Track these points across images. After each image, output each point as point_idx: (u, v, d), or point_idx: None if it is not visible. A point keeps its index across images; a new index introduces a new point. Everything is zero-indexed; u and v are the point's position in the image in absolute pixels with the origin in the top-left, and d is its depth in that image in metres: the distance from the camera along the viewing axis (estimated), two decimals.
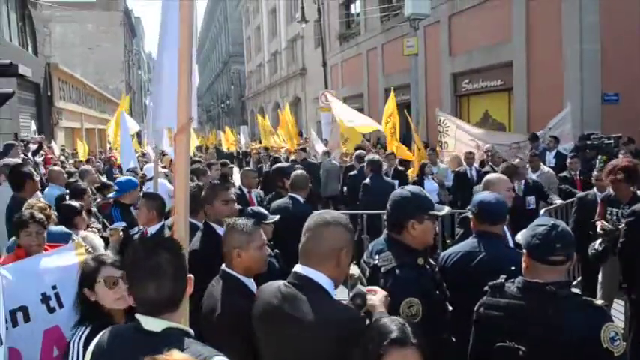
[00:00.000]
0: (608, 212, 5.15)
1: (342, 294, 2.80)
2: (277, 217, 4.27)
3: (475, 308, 2.48)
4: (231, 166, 11.13)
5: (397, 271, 2.49)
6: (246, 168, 8.26)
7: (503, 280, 2.41)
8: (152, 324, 1.85)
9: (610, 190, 5.25)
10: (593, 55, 13.12)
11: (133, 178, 6.82)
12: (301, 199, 5.66)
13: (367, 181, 8.04)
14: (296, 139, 19.46)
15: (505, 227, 3.42)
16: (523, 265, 2.39)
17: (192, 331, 1.94)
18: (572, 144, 10.79)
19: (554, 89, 13.56)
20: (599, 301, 2.24)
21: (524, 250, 2.38)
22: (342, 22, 29.18)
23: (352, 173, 10.09)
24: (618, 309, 5.61)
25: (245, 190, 7.67)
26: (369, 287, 2.25)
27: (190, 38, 2.74)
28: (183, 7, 2.61)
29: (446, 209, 2.70)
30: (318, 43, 29.30)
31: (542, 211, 6.72)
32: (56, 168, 8.44)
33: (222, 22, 74.08)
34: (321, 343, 2.00)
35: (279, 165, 6.64)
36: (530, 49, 14.82)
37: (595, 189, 5.99)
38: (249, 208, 4.56)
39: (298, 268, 2.19)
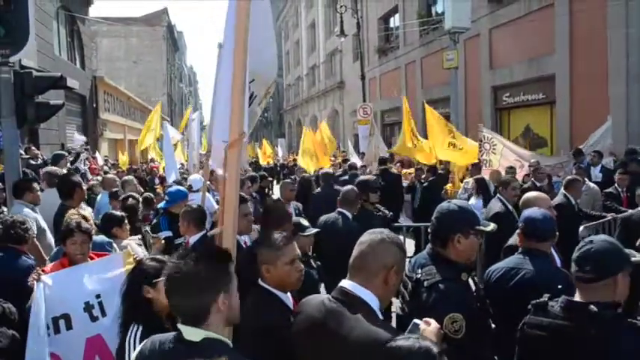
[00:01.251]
0: None
1: None
2: (316, 230, 4.31)
3: (519, 327, 2.43)
4: (270, 178, 11.22)
5: (441, 285, 2.45)
6: (285, 180, 8.31)
7: (546, 299, 2.35)
8: (192, 334, 1.87)
9: None
10: (639, 67, 12.77)
11: (183, 189, 6.96)
12: (349, 215, 5.59)
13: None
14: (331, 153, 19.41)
15: (552, 247, 3.33)
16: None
17: (230, 343, 1.96)
18: (612, 159, 10.53)
19: (599, 102, 13.23)
20: None
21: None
22: (381, 35, 29.23)
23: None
24: None
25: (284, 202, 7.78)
26: (426, 319, 2.16)
27: (245, 54, 2.77)
28: (239, 23, 2.67)
29: (492, 225, 2.65)
30: (356, 57, 29.41)
31: (581, 228, 6.53)
32: (110, 175, 8.70)
33: None
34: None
35: (363, 178, 6.63)
36: (573, 62, 14.52)
37: None
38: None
39: (345, 283, 2.17)
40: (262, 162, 26.94)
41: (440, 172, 12.07)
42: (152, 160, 20.49)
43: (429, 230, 2.71)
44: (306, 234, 4.13)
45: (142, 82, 49.29)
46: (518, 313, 2.48)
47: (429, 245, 2.70)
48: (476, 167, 10.17)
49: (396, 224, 7.00)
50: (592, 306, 2.13)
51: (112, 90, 31.29)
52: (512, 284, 2.92)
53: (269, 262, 2.70)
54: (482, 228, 2.60)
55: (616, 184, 8.33)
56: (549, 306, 2.31)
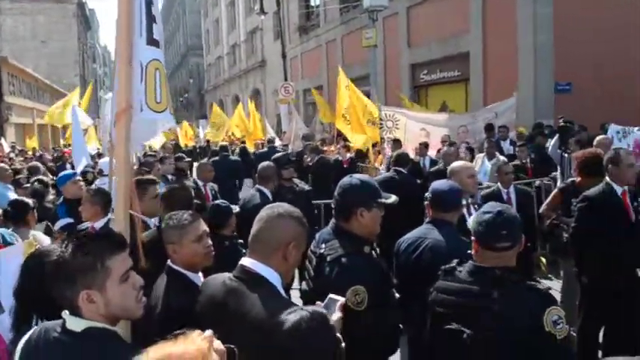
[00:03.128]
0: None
1: None
2: (236, 208, 4.26)
3: (430, 291, 2.48)
4: (188, 159, 10.87)
5: (343, 259, 2.45)
6: (202, 161, 8.11)
7: (454, 264, 2.42)
8: (74, 324, 1.74)
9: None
10: (547, 46, 13.40)
11: (69, 171, 6.62)
12: (267, 191, 5.59)
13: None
14: (261, 132, 19.28)
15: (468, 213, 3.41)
16: (473, 250, 2.39)
17: (117, 331, 1.83)
18: (514, 132, 11.08)
19: (509, 79, 13.78)
20: (543, 285, 2.24)
21: (472, 237, 2.38)
22: (302, 13, 29.03)
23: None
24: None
25: (200, 183, 7.64)
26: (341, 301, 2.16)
27: (129, 23, 2.64)
28: None
29: (393, 197, 2.67)
30: (277, 35, 29.10)
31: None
32: (1, 165, 8.10)
33: (180, 14, 72.86)
34: (265, 340, 1.92)
35: (275, 155, 6.57)
36: (486, 40, 15.04)
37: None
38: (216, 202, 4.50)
39: (245, 261, 2.11)
40: (183, 144, 26.17)
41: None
42: (67, 145, 19.40)
43: (332, 205, 2.69)
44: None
45: (51, 62, 46.49)
46: (424, 280, 2.53)
47: (332, 220, 2.68)
48: (397, 142, 10.32)
49: (317, 200, 6.96)
50: (496, 270, 2.22)
51: (17, 72, 29.36)
52: (418, 253, 2.99)
53: (174, 242, 2.62)
54: (383, 200, 2.62)
55: (518, 157, 8.72)
56: (457, 271, 2.38)
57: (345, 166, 10.78)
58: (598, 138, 7.93)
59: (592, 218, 4.39)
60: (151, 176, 4.71)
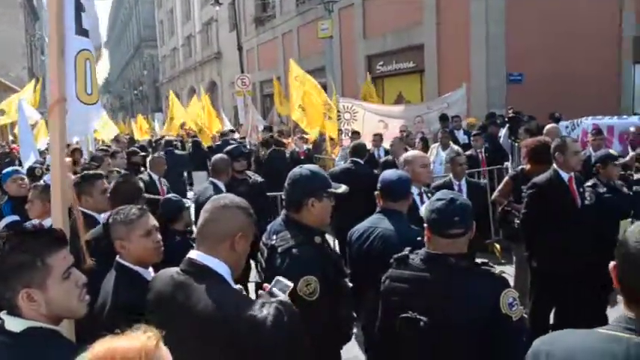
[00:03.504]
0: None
1: None
2: (188, 202, 4.19)
3: (382, 280, 2.48)
4: (142, 154, 10.64)
5: (294, 250, 2.45)
6: (155, 154, 7.95)
7: (407, 252, 2.43)
8: (12, 324, 1.68)
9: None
10: (499, 37, 13.68)
11: (10, 168, 6.38)
12: (221, 184, 5.53)
13: None
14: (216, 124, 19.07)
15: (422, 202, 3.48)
16: (425, 238, 2.41)
17: (60, 330, 1.78)
18: (466, 123, 11.36)
19: (463, 70, 14.03)
20: (496, 270, 2.29)
21: (425, 225, 2.40)
22: (257, 4, 28.74)
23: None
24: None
25: (156, 177, 7.51)
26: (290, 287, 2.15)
27: (59, 12, 2.58)
28: None
29: (343, 187, 2.68)
30: (233, 27, 28.71)
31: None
32: None
33: (132, 4, 71.02)
34: (213, 332, 1.91)
35: (228, 148, 6.48)
36: (440, 32, 15.24)
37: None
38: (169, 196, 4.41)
39: (192, 253, 2.09)
40: (137, 137, 25.60)
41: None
42: (14, 141, 18.65)
43: (282, 197, 2.69)
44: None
45: None
46: (376, 269, 2.55)
47: (283, 211, 2.68)
48: (356, 134, 10.38)
49: (272, 193, 6.92)
50: (450, 257, 2.25)
51: None
52: (369, 242, 3.02)
53: (123, 237, 2.57)
54: (333, 190, 2.62)
55: (473, 147, 8.86)
56: (410, 259, 2.39)
57: (302, 157, 10.76)
58: (547, 127, 8.18)
59: (540, 204, 4.54)
60: (98, 170, 4.57)
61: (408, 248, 2.47)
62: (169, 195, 4.63)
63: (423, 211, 2.50)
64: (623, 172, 5.52)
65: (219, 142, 14.16)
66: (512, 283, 5.71)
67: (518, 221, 5.34)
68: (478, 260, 2.37)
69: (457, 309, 2.17)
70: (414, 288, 2.31)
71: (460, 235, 2.31)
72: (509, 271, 6.53)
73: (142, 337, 1.28)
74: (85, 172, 4.25)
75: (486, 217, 7.69)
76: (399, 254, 2.45)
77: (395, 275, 2.42)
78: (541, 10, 13.57)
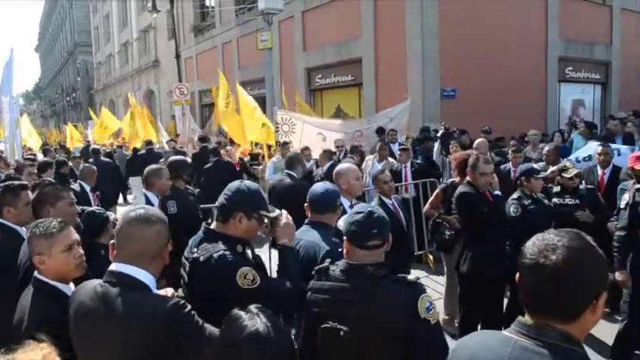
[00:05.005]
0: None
1: None
2: (112, 215, 4.07)
3: (305, 292, 2.51)
4: (70, 164, 10.26)
5: (215, 255, 2.44)
6: (86, 165, 7.69)
7: (328, 264, 2.47)
8: None
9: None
10: (433, 53, 14.12)
11: None
12: (154, 196, 5.43)
13: None
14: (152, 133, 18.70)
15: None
16: (344, 250, 2.46)
17: None
18: (404, 137, 11.58)
19: (400, 85, 14.37)
20: (411, 277, 2.36)
21: (344, 237, 2.45)
22: (197, 13, 28.42)
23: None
24: None
25: (87, 187, 7.33)
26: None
27: None
28: None
29: (277, 212, 2.72)
30: (171, 35, 28.24)
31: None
32: None
33: (66, 8, 68.61)
34: (137, 338, 1.94)
35: (175, 158, 6.33)
36: (377, 46, 15.57)
37: None
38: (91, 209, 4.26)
39: (113, 266, 2.11)
40: (69, 145, 24.66)
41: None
42: None
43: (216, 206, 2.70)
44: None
45: None
46: (307, 276, 2.57)
47: (203, 224, 2.68)
48: (285, 145, 10.39)
49: (205, 205, 6.82)
50: (368, 267, 2.31)
51: None
52: (297, 251, 3.03)
53: (42, 252, 2.47)
54: (265, 214, 2.65)
55: (398, 160, 8.91)
56: (330, 270, 2.43)
57: (237, 169, 10.69)
58: (477, 140, 8.50)
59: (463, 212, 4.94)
60: (22, 181, 4.36)
61: (328, 260, 2.52)
62: (92, 208, 4.47)
63: (341, 224, 2.54)
64: (544, 185, 5.82)
65: (143, 151, 14.06)
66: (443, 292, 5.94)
67: (448, 232, 5.55)
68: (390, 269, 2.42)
69: (377, 316, 2.22)
70: (335, 298, 2.35)
71: (378, 247, 2.38)
72: (440, 281, 6.72)
73: (42, 349, 1.32)
74: (9, 182, 4.04)
75: (420, 229, 7.89)
76: (320, 266, 2.50)
77: (316, 287, 2.45)
78: (473, 28, 14.14)
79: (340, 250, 2.52)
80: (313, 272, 2.50)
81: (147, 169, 5.66)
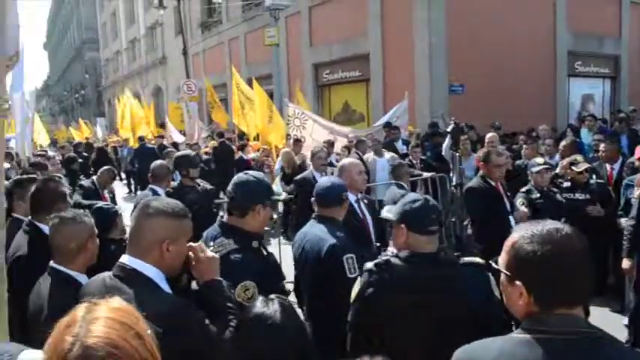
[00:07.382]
0: None
1: None
2: (118, 209, 4.11)
3: (360, 289, 2.45)
4: (80, 160, 10.34)
5: (231, 256, 2.44)
6: (105, 167, 7.69)
7: (389, 257, 2.44)
8: None
9: None
10: (440, 48, 14.05)
11: None
12: (161, 191, 5.48)
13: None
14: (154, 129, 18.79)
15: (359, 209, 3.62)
16: (399, 239, 2.47)
17: None
18: (407, 133, 11.63)
19: (407, 80, 14.31)
20: (477, 259, 2.44)
21: (402, 225, 2.44)
22: (203, 9, 28.42)
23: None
24: None
25: (100, 187, 7.38)
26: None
27: None
28: None
29: (283, 195, 2.75)
30: (178, 31, 28.28)
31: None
32: None
33: (73, 5, 68.87)
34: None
35: (182, 153, 6.40)
36: (385, 42, 15.49)
37: None
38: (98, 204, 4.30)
39: (124, 258, 2.08)
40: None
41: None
42: None
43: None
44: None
45: None
46: (309, 272, 2.69)
47: (219, 217, 2.69)
48: (297, 142, 10.41)
49: (218, 200, 6.86)
50: (442, 253, 2.46)
51: None
52: (301, 247, 3.14)
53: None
54: (276, 198, 2.67)
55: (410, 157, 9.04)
56: (392, 263, 2.41)
57: (251, 164, 10.79)
58: (488, 135, 8.49)
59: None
60: (32, 175, 4.40)
61: (390, 251, 2.57)
62: (100, 204, 4.49)
63: (389, 214, 2.55)
64: (555, 180, 5.80)
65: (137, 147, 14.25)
66: None
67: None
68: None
69: (461, 301, 2.28)
70: (412, 287, 2.32)
71: (437, 232, 2.45)
72: None
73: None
74: (18, 176, 4.08)
75: None
76: (379, 260, 2.45)
77: (380, 281, 2.39)
78: (480, 23, 14.05)
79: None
80: (373, 268, 2.43)
81: (153, 164, 5.71)
